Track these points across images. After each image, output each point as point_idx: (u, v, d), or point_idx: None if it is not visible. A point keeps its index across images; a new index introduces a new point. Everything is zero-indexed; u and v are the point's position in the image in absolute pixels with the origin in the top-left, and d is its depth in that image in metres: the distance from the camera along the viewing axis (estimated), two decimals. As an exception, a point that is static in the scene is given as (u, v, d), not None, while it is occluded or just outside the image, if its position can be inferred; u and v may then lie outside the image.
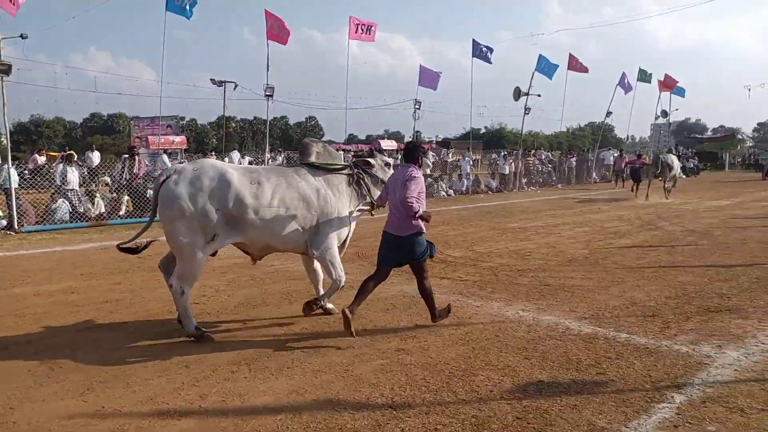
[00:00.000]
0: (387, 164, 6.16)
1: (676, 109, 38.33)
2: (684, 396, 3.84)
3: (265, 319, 5.82)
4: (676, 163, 20.13)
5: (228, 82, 23.62)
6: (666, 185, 19.18)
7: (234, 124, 74.84)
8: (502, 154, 28.53)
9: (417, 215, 5.07)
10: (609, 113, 30.03)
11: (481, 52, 21.73)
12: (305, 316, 5.72)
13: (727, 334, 5.09)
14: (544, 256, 9.22)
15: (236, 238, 5.14)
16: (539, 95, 24.00)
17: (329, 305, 5.83)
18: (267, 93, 16.20)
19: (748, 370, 4.27)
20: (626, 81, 29.73)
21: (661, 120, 35.78)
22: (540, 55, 23.34)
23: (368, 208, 5.83)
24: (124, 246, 5.29)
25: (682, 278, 7.37)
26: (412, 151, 5.38)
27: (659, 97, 32.51)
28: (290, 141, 78.61)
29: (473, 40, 21.86)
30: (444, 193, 22.03)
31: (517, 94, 23.39)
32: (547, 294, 6.69)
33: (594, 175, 30.13)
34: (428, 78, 20.64)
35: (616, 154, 29.39)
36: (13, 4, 11.09)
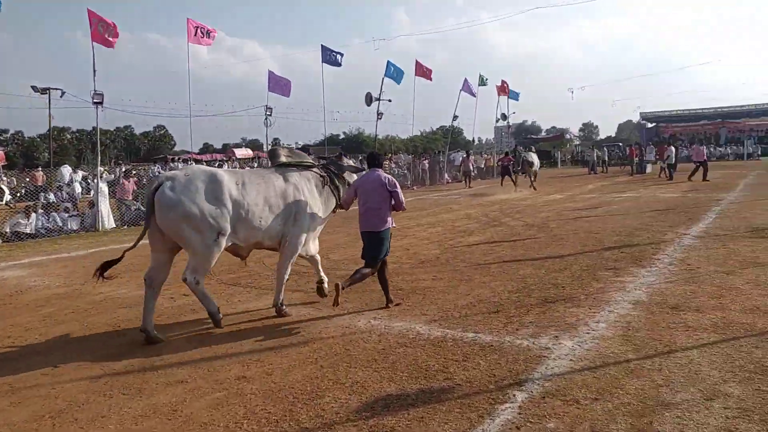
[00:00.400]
0: (357, 169, 6.79)
1: (514, 112, 41.70)
2: (525, 393, 3.86)
3: (83, 359, 5.03)
4: (537, 160, 23.06)
5: (53, 89, 21.16)
6: (531, 178, 21.59)
7: (69, 136, 67.94)
8: (359, 158, 28.82)
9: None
10: (455, 117, 31.75)
11: (330, 57, 21.70)
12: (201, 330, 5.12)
13: (563, 324, 5.33)
14: (398, 259, 9.23)
15: (233, 239, 5.52)
16: (390, 100, 24.59)
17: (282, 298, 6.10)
18: (95, 100, 14.61)
19: (581, 359, 4.44)
20: (470, 87, 31.59)
21: (501, 122, 38.58)
22: (388, 62, 23.92)
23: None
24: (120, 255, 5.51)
25: (523, 271, 7.73)
26: (376, 157, 6.29)
27: (498, 101, 35.05)
28: (137, 152, 73.01)
29: (322, 45, 21.81)
30: (302, 201, 21.64)
31: (369, 99, 23.73)
32: (400, 298, 6.61)
33: (446, 175, 31.59)
34: (278, 84, 20.13)
35: (464, 155, 31.07)
36: None
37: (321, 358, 4.78)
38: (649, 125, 62.02)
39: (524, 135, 79.60)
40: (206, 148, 75.58)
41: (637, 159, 32.51)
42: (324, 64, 21.77)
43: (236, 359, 4.83)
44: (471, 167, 28.56)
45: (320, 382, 4.25)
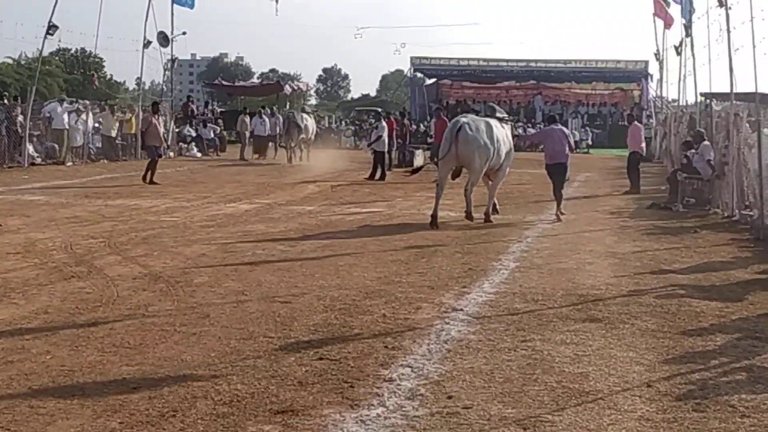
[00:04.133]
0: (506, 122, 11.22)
1: (184, 33, 26.99)
2: None
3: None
4: (312, 125, 20.50)
5: None
6: (299, 150, 19.06)
7: None
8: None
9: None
10: (52, 26, 23.16)
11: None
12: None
13: None
14: None
15: (489, 164, 9.16)
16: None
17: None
18: None
19: None
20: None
21: (162, 50, 28.79)
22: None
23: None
24: (416, 169, 11.27)
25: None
26: (555, 118, 11.57)
27: (149, 5, 21.83)
28: None
29: None
30: None
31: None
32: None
33: (30, 148, 19.64)
34: None
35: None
36: None
37: None
38: (428, 81, 38.49)
39: (219, 77, 47.62)
40: None
41: (399, 141, 18.57)
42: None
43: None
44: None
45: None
